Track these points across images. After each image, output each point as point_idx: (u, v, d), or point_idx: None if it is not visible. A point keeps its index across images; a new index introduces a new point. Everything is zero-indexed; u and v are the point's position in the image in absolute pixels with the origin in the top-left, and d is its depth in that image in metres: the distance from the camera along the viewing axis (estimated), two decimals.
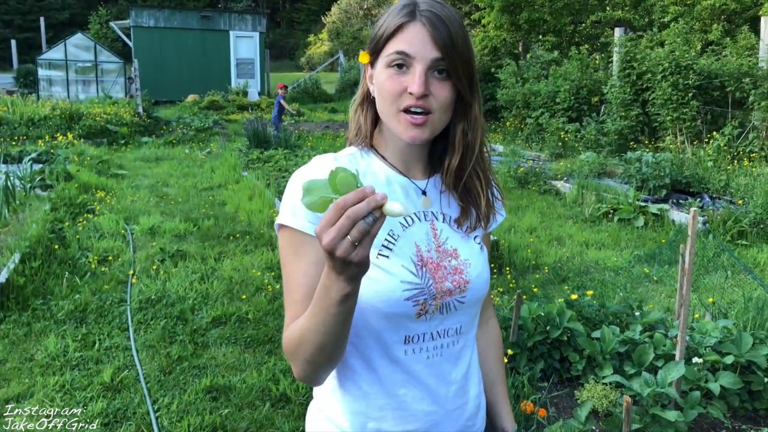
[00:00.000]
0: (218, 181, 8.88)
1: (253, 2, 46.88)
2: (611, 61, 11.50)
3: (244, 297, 4.70)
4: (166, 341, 4.01)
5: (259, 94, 22.54)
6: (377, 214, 0.84)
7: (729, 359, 3.22)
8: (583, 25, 14.68)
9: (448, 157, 1.18)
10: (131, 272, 5.09)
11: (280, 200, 6.67)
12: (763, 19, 9.43)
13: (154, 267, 5.25)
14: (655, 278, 5.33)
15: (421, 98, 1.08)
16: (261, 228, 6.48)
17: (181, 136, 13.06)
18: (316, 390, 1.26)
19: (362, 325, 1.13)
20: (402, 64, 1.09)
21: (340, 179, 0.87)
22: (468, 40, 1.13)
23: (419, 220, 1.18)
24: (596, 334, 3.54)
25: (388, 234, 1.13)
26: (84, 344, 3.92)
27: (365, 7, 41.30)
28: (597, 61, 12.56)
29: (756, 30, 9.93)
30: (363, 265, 0.88)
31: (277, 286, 4.89)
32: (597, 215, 7.04)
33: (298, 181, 1.14)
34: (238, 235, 6.23)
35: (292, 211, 1.10)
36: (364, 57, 1.18)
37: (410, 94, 1.07)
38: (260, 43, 23.81)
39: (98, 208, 7.01)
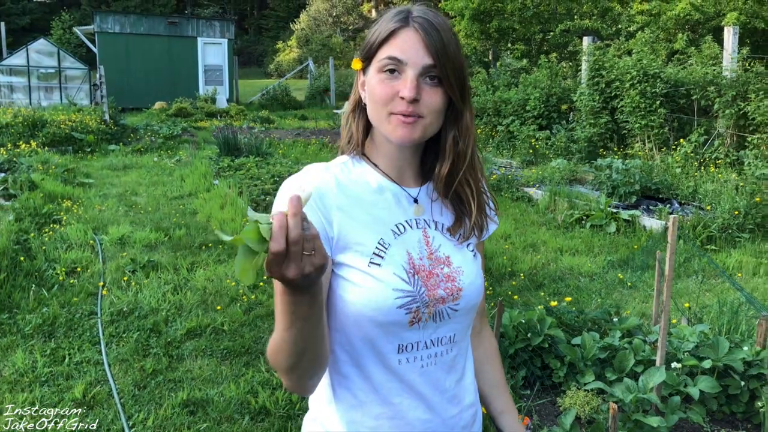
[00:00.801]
0: (189, 189, 8.73)
1: (220, 9, 46.49)
2: (580, 70, 11.68)
3: (219, 308, 4.60)
4: (140, 354, 3.90)
5: (228, 101, 22.31)
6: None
7: (707, 364, 3.26)
8: (552, 33, 14.89)
9: (439, 165, 1.19)
10: (101, 284, 4.95)
11: (254, 209, 6.56)
12: (726, 29, 9.69)
13: (125, 278, 5.11)
14: (629, 284, 5.39)
15: (412, 103, 1.08)
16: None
17: (149, 143, 12.82)
18: (311, 401, 1.25)
19: (356, 333, 1.13)
20: (394, 69, 1.10)
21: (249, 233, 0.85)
22: (459, 49, 1.14)
23: (411, 227, 1.18)
24: (576, 340, 3.55)
25: (379, 243, 1.13)
26: (53, 359, 3.78)
27: (334, 14, 41.32)
28: (566, 70, 12.74)
29: (719, 39, 10.20)
30: (321, 270, 0.87)
31: (253, 297, 4.81)
32: (570, 222, 7.11)
33: (288, 190, 1.13)
34: (210, 245, 6.12)
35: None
36: (356, 63, 1.19)
37: (402, 98, 1.08)
38: (228, 49, 23.59)
39: (65, 218, 6.82)
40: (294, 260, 0.84)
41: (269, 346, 1.06)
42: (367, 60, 1.15)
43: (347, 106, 1.25)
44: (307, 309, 0.94)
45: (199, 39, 23.06)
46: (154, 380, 3.60)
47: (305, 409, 1.38)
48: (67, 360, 3.78)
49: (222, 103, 21.34)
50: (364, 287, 1.09)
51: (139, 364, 3.77)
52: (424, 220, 1.20)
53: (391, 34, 1.10)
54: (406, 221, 1.18)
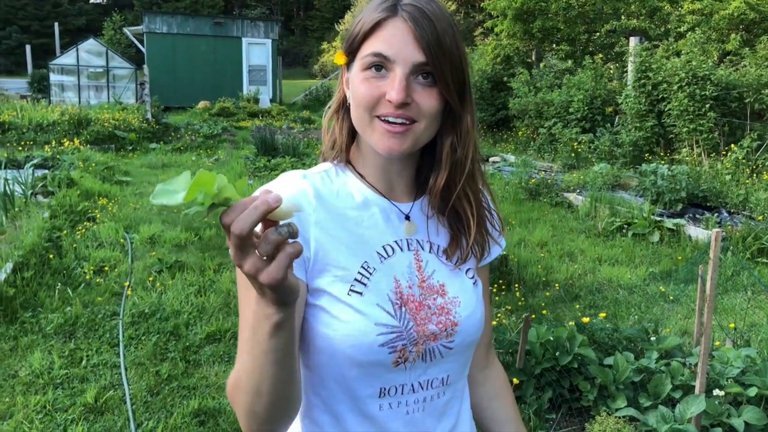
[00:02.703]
0: None
1: (267, 10, 47.04)
2: (626, 71, 11.26)
3: None
4: (157, 359, 3.84)
5: (271, 101, 22.48)
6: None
7: (752, 391, 3.00)
8: (598, 34, 14.44)
9: (434, 176, 1.02)
10: (126, 284, 4.93)
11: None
12: None
13: (151, 278, 5.09)
14: (671, 297, 5.09)
15: (401, 107, 0.92)
16: None
17: (189, 142, 12.96)
18: None
19: (330, 374, 0.96)
20: (380, 66, 0.92)
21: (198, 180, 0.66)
22: (459, 41, 0.95)
23: (401, 249, 1.01)
24: (609, 361, 3.33)
25: (362, 267, 0.96)
26: (71, 361, 3.75)
27: None
28: (611, 71, 12.32)
29: None
30: (277, 289, 0.71)
31: None
32: (610, 229, 6.80)
33: None
34: None
35: None
36: (339, 58, 1.01)
37: (389, 101, 0.92)
38: (273, 49, 23.78)
39: (99, 216, 6.88)
40: (246, 253, 0.69)
41: (230, 380, 0.91)
42: (351, 54, 0.98)
43: (330, 105, 1.08)
44: (277, 335, 0.78)
45: (243, 39, 23.31)
46: (168, 386, 3.52)
47: None
48: (84, 362, 3.74)
49: (265, 103, 21.50)
50: (342, 320, 0.93)
51: (155, 368, 3.70)
52: (417, 241, 1.03)
53: (376, 26, 0.93)
54: (396, 242, 1.01)
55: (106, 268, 5.28)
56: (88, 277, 5.02)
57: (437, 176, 1.01)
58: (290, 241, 0.70)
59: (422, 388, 1.00)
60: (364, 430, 0.99)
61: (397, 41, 0.92)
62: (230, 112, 18.52)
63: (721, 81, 9.19)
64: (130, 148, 12.06)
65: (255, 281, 0.71)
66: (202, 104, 20.14)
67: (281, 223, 0.70)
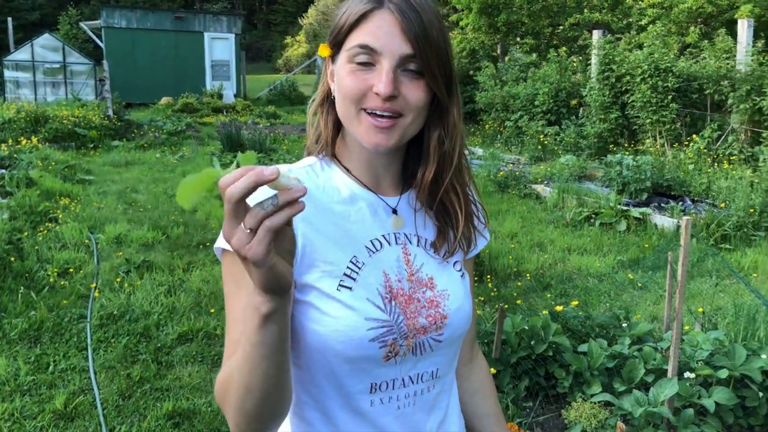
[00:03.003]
0: None
1: (229, 4, 46.37)
2: (589, 64, 11.43)
3: (212, 311, 4.45)
4: (128, 361, 3.75)
5: (235, 96, 22.18)
6: (281, 198, 0.70)
7: (723, 373, 3.07)
8: (561, 27, 14.62)
9: (422, 170, 1.01)
10: (93, 285, 4.80)
11: None
12: (739, 22, 9.42)
13: (118, 279, 4.97)
14: (640, 285, 5.19)
15: (389, 100, 0.91)
16: None
17: (152, 139, 12.70)
18: None
19: (320, 370, 0.95)
20: (367, 59, 0.91)
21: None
22: (445, 33, 0.94)
23: (389, 243, 1.00)
24: (583, 348, 3.37)
25: (351, 262, 0.95)
26: (37, 367, 3.63)
27: None
28: (575, 64, 12.49)
29: (733, 33, 9.91)
30: (260, 265, 0.72)
31: None
32: (578, 219, 6.90)
33: None
34: (208, 244, 5.97)
35: None
36: (323, 50, 0.99)
37: (376, 94, 0.91)
38: (236, 44, 23.45)
39: (61, 216, 6.69)
40: (234, 226, 0.71)
41: (219, 380, 0.89)
42: (336, 47, 0.96)
43: (314, 99, 1.06)
44: (266, 328, 0.78)
45: (206, 34, 22.94)
46: (141, 389, 3.44)
47: None
48: (51, 367, 3.63)
49: (229, 98, 21.20)
50: (331, 316, 0.92)
51: (126, 371, 3.62)
52: (405, 235, 1.02)
53: (362, 17, 0.92)
54: (384, 236, 1.00)
55: (71, 270, 5.14)
56: (52, 279, 4.87)
57: (425, 170, 1.00)
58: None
59: (412, 382, 1.00)
60: (355, 426, 0.98)
61: (383, 33, 0.91)
62: (194, 108, 18.21)
63: (683, 73, 9.40)
64: (92, 145, 11.76)
65: (242, 259, 0.72)
66: (164, 100, 19.76)
67: (268, 195, 0.70)
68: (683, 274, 2.85)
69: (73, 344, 3.91)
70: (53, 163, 9.09)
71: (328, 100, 1.02)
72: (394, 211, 1.03)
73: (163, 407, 3.23)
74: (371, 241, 0.99)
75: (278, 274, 0.74)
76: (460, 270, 1.07)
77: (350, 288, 0.94)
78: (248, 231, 0.70)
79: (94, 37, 22.74)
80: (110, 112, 13.60)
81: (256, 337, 0.79)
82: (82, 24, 24.87)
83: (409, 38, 0.90)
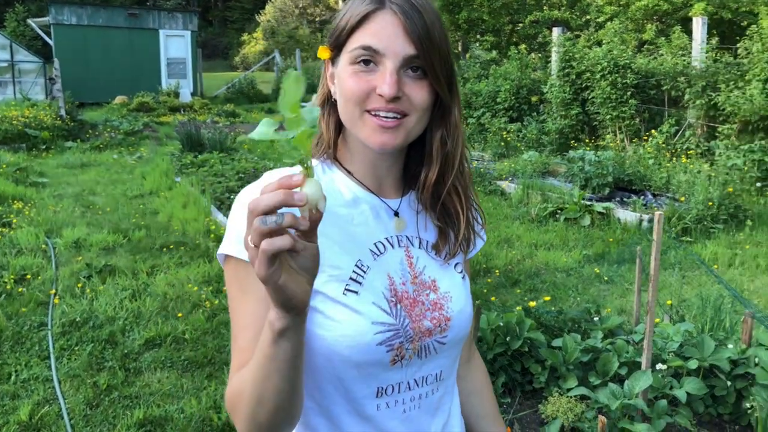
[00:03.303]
0: (149, 188, 8.37)
1: (183, 1, 45.50)
2: (550, 61, 11.59)
3: (180, 315, 4.34)
4: (93, 369, 3.63)
5: (192, 95, 21.78)
6: (302, 210, 0.68)
7: (693, 364, 3.13)
8: (522, 24, 14.80)
9: (425, 171, 1.01)
10: (53, 292, 4.63)
11: (218, 208, 6.16)
12: (694, 19, 9.68)
13: (80, 285, 4.80)
14: (606, 278, 5.28)
15: (393, 101, 0.90)
16: (197, 238, 6.09)
17: (108, 140, 12.35)
18: None
19: (325, 376, 0.93)
20: (369, 60, 0.90)
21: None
22: (446, 33, 0.94)
23: (392, 246, 1.00)
24: (557, 342, 3.40)
25: (356, 265, 0.95)
26: None
27: (300, 5, 40.80)
28: (536, 61, 12.64)
29: (688, 30, 10.18)
30: (265, 282, 0.70)
31: (216, 302, 4.55)
32: (543, 215, 6.98)
33: (244, 202, 0.92)
34: (172, 246, 5.82)
35: (237, 237, 0.90)
36: (323, 52, 0.97)
37: (380, 96, 0.90)
38: (192, 41, 23.01)
39: (15, 221, 6.44)
40: (248, 232, 0.70)
41: (230, 390, 0.87)
42: (337, 49, 0.95)
43: (314, 101, 1.04)
44: (279, 344, 0.77)
45: (161, 31, 22.46)
46: (109, 397, 3.33)
47: None
48: (13, 378, 3.48)
49: (186, 97, 20.80)
50: (338, 321, 0.91)
51: (92, 379, 3.50)
52: (407, 237, 1.02)
53: (364, 18, 0.91)
54: (387, 239, 1.00)
55: (29, 276, 4.94)
56: (9, 287, 4.68)
57: (428, 171, 1.00)
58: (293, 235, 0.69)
59: (417, 385, 1.00)
60: (362, 430, 0.97)
61: (387, 34, 0.90)
62: (150, 107, 17.79)
63: (641, 69, 9.61)
64: (44, 147, 11.37)
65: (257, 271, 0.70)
66: (119, 99, 19.25)
67: (280, 211, 0.67)
68: (656, 268, 2.90)
69: (35, 353, 3.76)
70: (4, 166, 8.76)
71: (329, 102, 1.01)
72: (396, 214, 1.02)
73: (134, 415, 3.13)
74: (375, 244, 0.98)
75: (290, 294, 0.72)
76: (461, 271, 1.07)
77: (356, 292, 0.93)
78: (252, 246, 0.68)
79: (43, 35, 22.00)
80: (62, 112, 13.17)
81: (269, 351, 0.78)
82: (29, 21, 24.02)
83: (412, 39, 0.90)
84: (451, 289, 1.03)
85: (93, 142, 12.09)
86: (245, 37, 42.36)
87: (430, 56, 0.91)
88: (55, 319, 4.19)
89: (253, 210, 0.67)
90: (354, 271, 0.94)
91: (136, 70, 21.46)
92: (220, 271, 5.10)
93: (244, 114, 18.34)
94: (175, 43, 22.80)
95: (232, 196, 7.28)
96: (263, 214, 0.67)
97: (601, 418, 2.37)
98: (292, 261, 0.72)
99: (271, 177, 0.96)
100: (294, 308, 0.74)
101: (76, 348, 3.85)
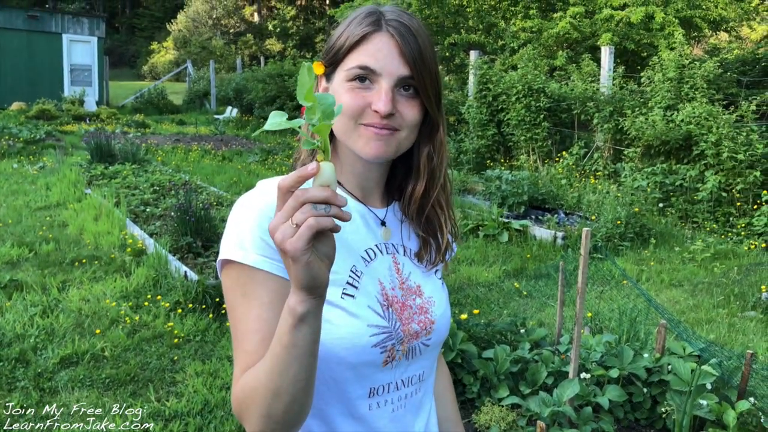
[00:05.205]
0: (56, 199, 7.90)
1: (87, 5, 43.51)
2: (467, 83, 11.98)
3: (98, 331, 4.11)
4: (4, 389, 3.37)
5: (98, 103, 20.82)
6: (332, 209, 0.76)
7: (614, 372, 3.31)
8: (440, 47, 15.24)
9: (412, 184, 1.09)
10: None
11: (133, 221, 5.88)
12: (603, 48, 10.34)
13: None
14: (525, 293, 5.48)
15: (387, 117, 0.98)
16: (111, 252, 5.80)
17: (6, 148, 11.56)
18: None
19: (321, 378, 0.97)
20: (365, 78, 0.97)
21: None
22: (435, 55, 1.04)
23: (381, 253, 1.07)
24: (488, 353, 3.50)
25: (351, 271, 1.01)
26: None
27: (214, 16, 40.05)
28: (452, 83, 13.03)
29: (596, 58, 10.85)
30: (297, 259, 0.75)
31: (137, 318, 4.35)
32: (464, 231, 7.17)
33: (243, 208, 0.96)
34: (84, 261, 5.51)
35: (239, 243, 0.93)
36: (318, 68, 1.01)
37: (375, 111, 0.98)
38: (98, 48, 22.10)
39: None
40: (280, 217, 0.76)
41: (240, 389, 0.88)
42: (333, 65, 1.02)
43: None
44: (299, 329, 0.80)
45: (64, 36, 21.42)
46: (23, 419, 3.10)
47: None
48: None
49: (91, 105, 19.87)
50: (334, 323, 0.96)
51: (2, 401, 3.24)
52: (393, 245, 1.09)
53: (362, 39, 0.98)
54: (376, 246, 1.06)
55: None
56: None
57: (415, 184, 1.07)
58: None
59: (404, 386, 1.06)
60: (354, 430, 1.02)
61: (383, 55, 0.97)
62: (52, 115, 16.83)
63: (554, 94, 10.13)
64: None
65: (282, 252, 0.76)
66: (16, 105, 18.14)
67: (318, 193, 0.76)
68: (584, 281, 3.05)
69: None
70: None
71: None
72: (383, 223, 1.09)
73: None
74: (366, 250, 1.04)
75: (315, 273, 0.76)
76: (441, 278, 1.15)
77: (353, 296, 0.98)
78: (294, 225, 0.73)
79: None
80: None
81: (288, 339, 0.80)
82: None
83: (407, 60, 0.97)
84: (434, 294, 1.10)
85: None
86: (155, 45, 41.06)
87: (422, 77, 0.98)
88: None
89: (300, 197, 0.74)
90: (350, 276, 0.99)
91: (36, 75, 20.35)
92: (139, 285, 4.89)
93: (155, 125, 17.70)
94: (80, 49, 21.81)
95: (147, 209, 7.00)
96: (288, 189, 0.75)
97: (540, 423, 2.45)
98: (316, 246, 0.76)
99: (268, 186, 1.00)
100: (317, 289, 0.77)
101: None
